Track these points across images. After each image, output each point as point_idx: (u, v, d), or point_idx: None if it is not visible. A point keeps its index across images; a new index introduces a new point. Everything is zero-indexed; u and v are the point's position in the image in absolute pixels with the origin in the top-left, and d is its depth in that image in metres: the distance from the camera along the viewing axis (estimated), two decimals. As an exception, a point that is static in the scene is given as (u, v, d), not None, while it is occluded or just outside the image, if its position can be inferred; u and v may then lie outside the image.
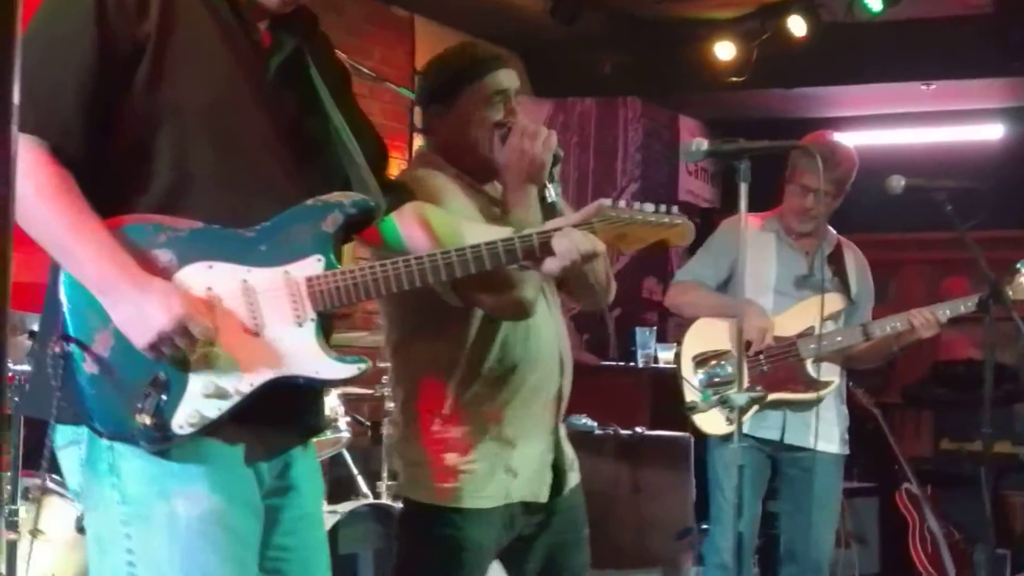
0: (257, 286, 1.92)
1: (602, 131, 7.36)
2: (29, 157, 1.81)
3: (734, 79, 6.07)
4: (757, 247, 3.93)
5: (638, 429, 5.44)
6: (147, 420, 1.87)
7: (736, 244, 3.94)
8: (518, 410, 2.54)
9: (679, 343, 4.18)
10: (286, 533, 2.07)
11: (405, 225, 2.21)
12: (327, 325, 2.01)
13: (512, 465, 2.54)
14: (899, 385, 7.49)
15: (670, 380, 4.26)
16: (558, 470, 2.62)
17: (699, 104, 7.65)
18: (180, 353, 1.87)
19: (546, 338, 2.58)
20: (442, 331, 2.52)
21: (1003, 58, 5.47)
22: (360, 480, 4.34)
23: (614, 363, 6.66)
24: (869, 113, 7.37)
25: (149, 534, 1.92)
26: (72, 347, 1.88)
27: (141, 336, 1.85)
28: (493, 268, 2.06)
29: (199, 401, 1.89)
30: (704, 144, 2.92)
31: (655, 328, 6.67)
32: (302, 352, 1.95)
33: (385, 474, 4.28)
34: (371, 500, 4.12)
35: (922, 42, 5.77)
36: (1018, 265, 3.83)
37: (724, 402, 2.89)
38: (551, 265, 2.07)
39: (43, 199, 1.82)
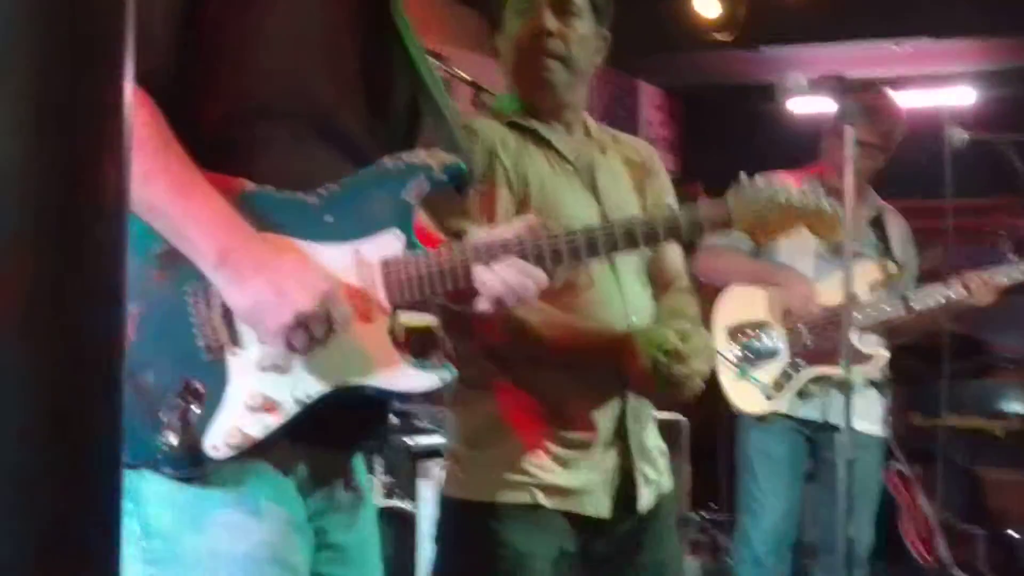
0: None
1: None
2: None
3: (720, 36, 5.69)
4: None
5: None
6: (173, 440, 1.45)
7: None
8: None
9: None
10: (336, 563, 1.66)
11: None
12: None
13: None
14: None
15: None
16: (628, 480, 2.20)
17: (661, 69, 7.27)
18: (315, 343, 1.47)
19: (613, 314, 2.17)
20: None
21: (984, 14, 5.19)
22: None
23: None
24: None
25: None
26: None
27: (275, 318, 1.45)
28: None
29: (241, 415, 1.50)
30: (802, 80, 2.52)
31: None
32: (373, 355, 1.54)
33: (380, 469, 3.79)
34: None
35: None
36: None
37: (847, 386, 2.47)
38: None
39: (141, 149, 1.35)
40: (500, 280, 1.61)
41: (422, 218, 1.72)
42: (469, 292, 1.64)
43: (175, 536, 1.49)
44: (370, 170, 1.58)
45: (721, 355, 3.63)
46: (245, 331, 1.51)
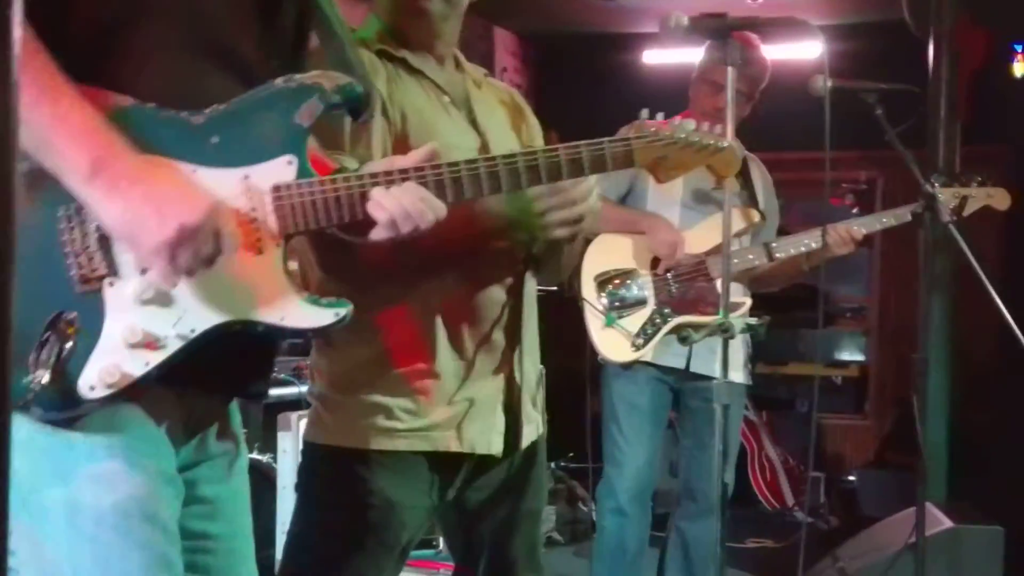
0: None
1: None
2: None
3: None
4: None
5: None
6: (44, 378, 1.34)
7: None
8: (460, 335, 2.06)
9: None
10: (206, 517, 1.57)
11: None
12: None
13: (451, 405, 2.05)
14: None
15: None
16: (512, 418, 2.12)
17: (516, 14, 7.18)
18: (198, 264, 1.36)
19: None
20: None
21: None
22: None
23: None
24: (692, 29, 7.10)
25: (41, 533, 1.37)
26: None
27: (155, 234, 1.34)
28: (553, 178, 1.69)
29: (119, 352, 1.41)
30: (684, 19, 2.46)
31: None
32: (263, 288, 1.45)
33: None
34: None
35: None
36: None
37: (725, 330, 2.44)
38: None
39: None
40: (397, 203, 1.53)
41: (316, 146, 1.61)
42: (365, 223, 1.55)
43: (37, 488, 1.37)
44: (260, 90, 1.48)
45: (588, 303, 3.58)
46: (124, 260, 1.41)
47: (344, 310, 1.49)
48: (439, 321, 2.03)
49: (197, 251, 1.36)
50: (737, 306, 3.59)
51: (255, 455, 3.55)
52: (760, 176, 3.83)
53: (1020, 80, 5.53)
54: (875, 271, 7.41)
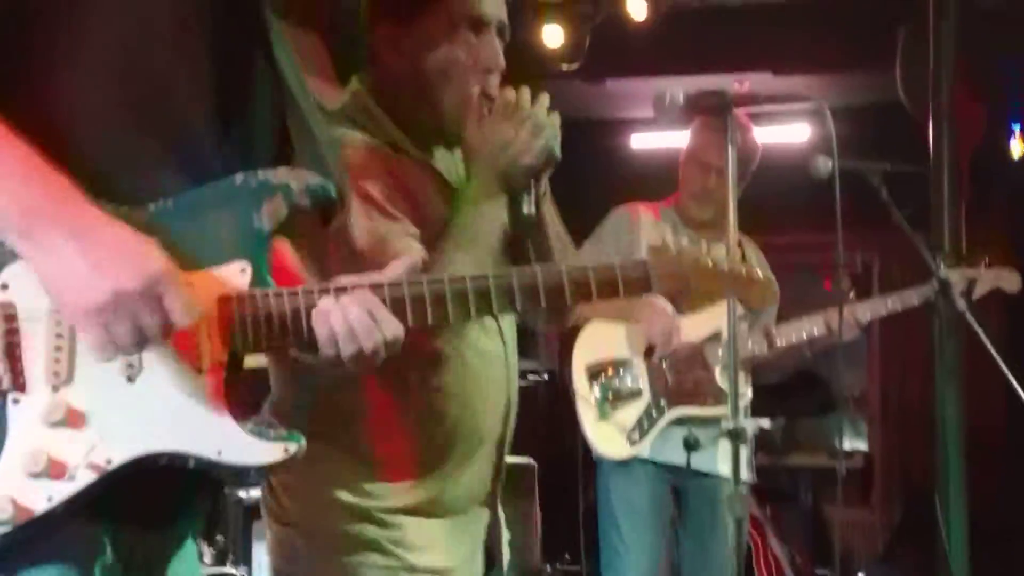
0: None
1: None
2: None
3: (565, 66, 5.52)
4: (654, 241, 3.36)
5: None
6: None
7: (629, 234, 3.40)
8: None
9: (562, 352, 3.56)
10: None
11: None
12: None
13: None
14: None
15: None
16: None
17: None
18: (138, 339, 1.20)
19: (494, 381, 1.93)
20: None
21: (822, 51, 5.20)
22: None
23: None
24: (682, 113, 7.04)
25: None
26: None
27: (84, 294, 1.18)
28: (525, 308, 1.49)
29: (18, 481, 1.22)
30: (680, 95, 2.31)
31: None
32: (198, 414, 1.28)
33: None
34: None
35: (768, 28, 5.44)
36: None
37: (736, 436, 2.25)
38: None
39: None
40: (341, 315, 1.33)
41: (287, 253, 1.43)
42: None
43: None
44: (217, 185, 1.32)
45: (580, 395, 3.39)
46: (33, 374, 1.23)
47: (295, 446, 1.31)
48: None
49: (136, 323, 1.19)
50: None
51: (228, 568, 3.30)
52: (756, 258, 3.67)
53: (1020, 160, 5.43)
54: (875, 355, 7.25)
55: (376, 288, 1.37)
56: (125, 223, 1.23)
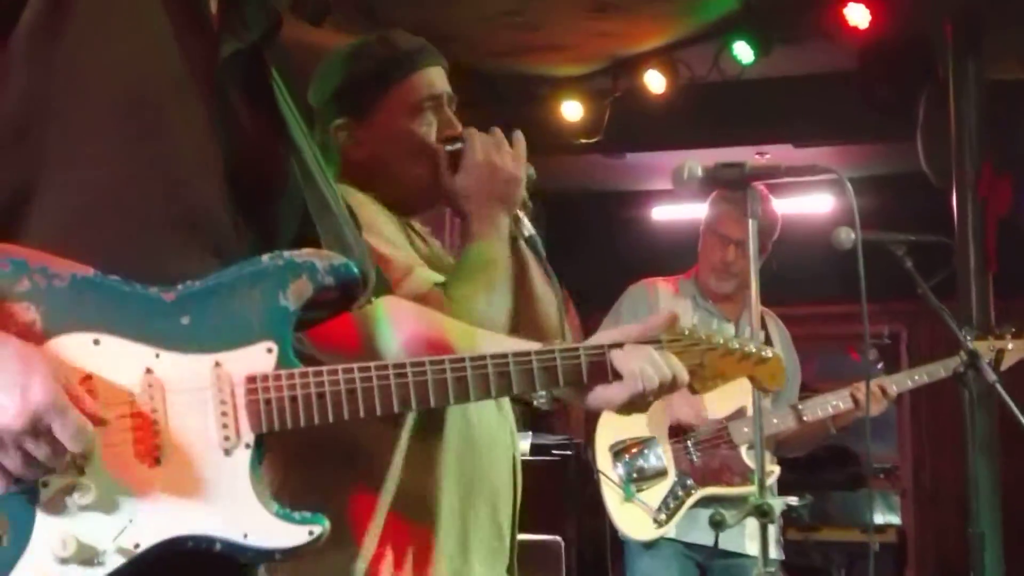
0: (168, 381, 1.29)
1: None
2: None
3: (584, 141, 5.54)
4: None
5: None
6: None
7: (647, 309, 3.35)
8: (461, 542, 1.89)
9: (587, 433, 3.51)
10: None
11: (401, 321, 1.63)
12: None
13: None
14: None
15: (543, 471, 3.62)
16: None
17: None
18: (31, 469, 1.19)
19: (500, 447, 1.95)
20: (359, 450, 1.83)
21: (866, 117, 5.19)
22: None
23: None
24: (702, 186, 7.05)
25: None
26: None
27: None
28: (522, 391, 1.47)
29: (47, 567, 1.22)
30: (699, 169, 2.28)
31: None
32: (226, 497, 1.28)
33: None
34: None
35: (787, 100, 5.44)
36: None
37: (764, 513, 2.19)
38: (607, 394, 1.48)
39: None
40: None
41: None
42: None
43: None
44: (242, 266, 1.33)
45: (605, 476, 3.33)
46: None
47: (319, 528, 1.30)
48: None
49: (26, 456, 1.18)
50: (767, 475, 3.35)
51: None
52: (777, 332, 3.63)
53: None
54: (905, 427, 7.15)
55: (397, 368, 1.38)
56: (11, 341, 1.21)
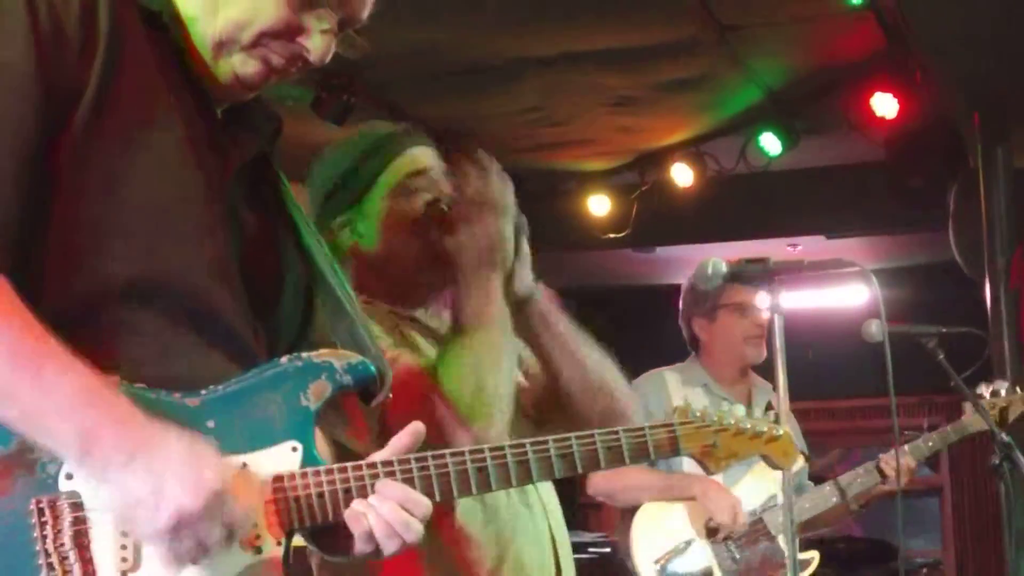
0: None
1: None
2: None
3: (612, 236, 5.55)
4: (678, 402, 3.31)
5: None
6: None
7: (658, 397, 3.32)
8: None
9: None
10: None
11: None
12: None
13: None
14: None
15: (581, 570, 3.51)
16: None
17: (553, 269, 7.14)
18: (202, 552, 1.24)
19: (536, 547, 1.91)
20: None
21: (897, 207, 5.17)
22: None
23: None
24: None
25: None
26: None
27: (150, 518, 1.21)
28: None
29: None
30: (723, 266, 2.27)
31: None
32: None
33: None
34: None
35: (817, 191, 5.44)
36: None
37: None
38: None
39: None
40: (376, 516, 1.36)
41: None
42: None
43: None
44: (263, 369, 1.37)
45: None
46: (103, 561, 1.26)
47: None
48: None
49: (199, 540, 1.22)
50: (805, 564, 3.31)
51: None
52: (789, 417, 3.60)
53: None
54: (948, 521, 7.01)
55: (418, 461, 1.39)
56: (183, 431, 1.26)
